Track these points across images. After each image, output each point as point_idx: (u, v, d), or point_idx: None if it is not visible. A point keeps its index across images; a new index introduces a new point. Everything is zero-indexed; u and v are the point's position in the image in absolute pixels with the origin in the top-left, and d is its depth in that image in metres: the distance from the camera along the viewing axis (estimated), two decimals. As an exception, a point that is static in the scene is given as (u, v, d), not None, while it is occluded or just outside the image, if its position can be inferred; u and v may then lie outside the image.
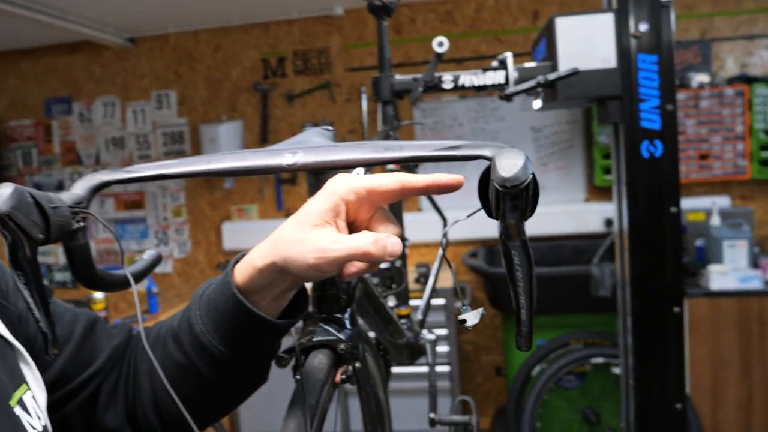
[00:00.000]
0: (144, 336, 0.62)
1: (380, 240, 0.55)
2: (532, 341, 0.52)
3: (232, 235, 3.72)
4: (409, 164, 1.58)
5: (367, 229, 0.59)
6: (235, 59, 3.67)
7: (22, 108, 3.96)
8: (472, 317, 0.53)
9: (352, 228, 0.60)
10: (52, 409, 0.70)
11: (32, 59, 3.89)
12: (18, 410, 0.57)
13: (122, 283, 0.66)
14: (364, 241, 0.54)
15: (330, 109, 3.59)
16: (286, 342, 0.67)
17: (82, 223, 0.60)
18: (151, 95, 3.78)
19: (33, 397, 0.59)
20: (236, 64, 3.68)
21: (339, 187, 0.57)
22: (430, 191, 0.56)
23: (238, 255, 0.65)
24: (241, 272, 0.62)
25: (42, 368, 0.67)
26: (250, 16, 3.54)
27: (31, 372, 0.61)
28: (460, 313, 0.54)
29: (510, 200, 0.46)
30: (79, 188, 0.62)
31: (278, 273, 0.59)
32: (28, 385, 0.59)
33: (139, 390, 0.72)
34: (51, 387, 0.68)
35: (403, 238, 1.47)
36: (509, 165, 0.46)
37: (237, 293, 0.61)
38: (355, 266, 0.57)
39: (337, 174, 0.60)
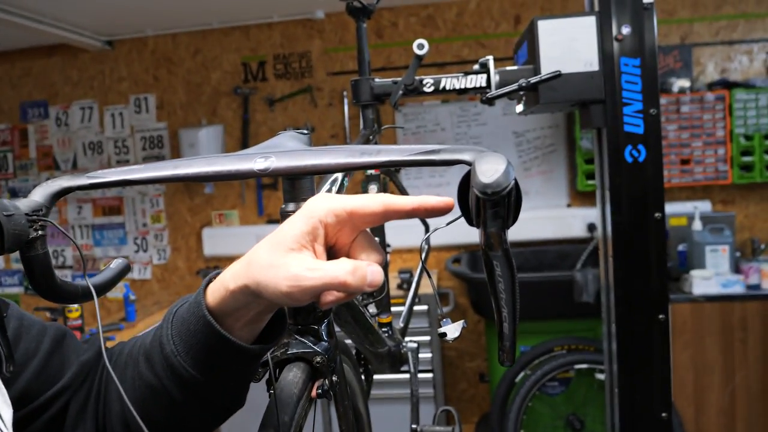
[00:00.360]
0: (106, 356, 0.58)
1: (359, 269, 0.51)
2: (515, 355, 0.49)
3: (212, 241, 3.67)
4: (389, 169, 1.56)
5: (348, 254, 0.55)
6: (215, 63, 3.63)
7: (-3, 112, 3.89)
8: (452, 330, 0.51)
9: (332, 252, 0.56)
10: (19, 427, 0.66)
11: (7, 62, 3.82)
12: None
13: (85, 295, 0.63)
14: (342, 270, 0.50)
15: (311, 114, 3.56)
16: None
17: (40, 232, 0.57)
18: (130, 99, 3.72)
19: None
20: (216, 68, 3.63)
21: (318, 209, 0.53)
22: (417, 214, 0.52)
23: (211, 274, 0.62)
24: (214, 293, 0.58)
25: (6, 383, 0.63)
26: (230, 20, 3.50)
27: None
28: (440, 326, 0.51)
29: (491, 207, 0.43)
30: (38, 195, 0.59)
31: (251, 296, 0.55)
32: None
33: (109, 409, 0.68)
34: (16, 403, 0.64)
35: (385, 245, 1.44)
36: (490, 170, 0.43)
37: (207, 315, 0.57)
38: (332, 295, 0.53)
39: (317, 195, 0.56)
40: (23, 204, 0.56)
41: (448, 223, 0.50)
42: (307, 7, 3.33)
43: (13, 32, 3.22)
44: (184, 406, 0.62)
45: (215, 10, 3.33)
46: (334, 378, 0.70)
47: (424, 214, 0.52)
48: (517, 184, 0.44)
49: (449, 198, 0.51)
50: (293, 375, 0.65)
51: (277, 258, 0.52)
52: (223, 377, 0.61)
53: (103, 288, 0.66)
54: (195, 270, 3.74)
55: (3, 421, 0.56)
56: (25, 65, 3.81)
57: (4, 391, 0.58)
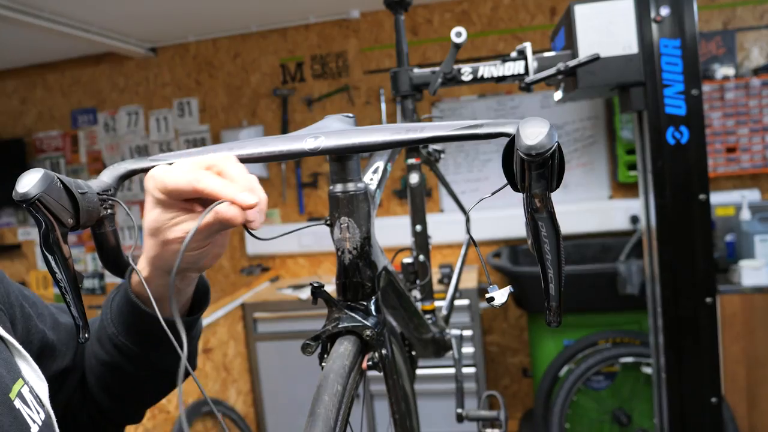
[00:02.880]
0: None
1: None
2: (561, 315, 0.51)
3: (255, 240, 3.73)
4: (429, 159, 1.58)
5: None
6: (254, 65, 3.71)
7: (50, 119, 4.05)
8: (499, 295, 0.52)
9: None
10: (69, 393, 0.73)
11: (58, 72, 3.98)
12: (18, 403, 0.57)
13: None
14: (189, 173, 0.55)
15: (349, 112, 3.59)
16: (306, 333, 0.68)
17: (110, 210, 0.61)
18: (173, 103, 3.83)
19: (30, 391, 0.60)
20: (255, 70, 3.71)
21: (149, 186, 0.59)
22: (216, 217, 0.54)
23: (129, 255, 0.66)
24: (135, 281, 0.66)
25: (50, 363, 0.70)
26: (267, 23, 3.57)
27: (28, 366, 0.62)
28: (488, 292, 0.53)
29: (536, 169, 0.45)
30: (107, 176, 0.63)
31: (159, 270, 0.63)
32: (24, 380, 0.60)
33: (84, 384, 0.76)
34: (54, 382, 0.70)
35: (426, 235, 1.46)
36: (534, 133, 0.45)
37: (133, 297, 0.65)
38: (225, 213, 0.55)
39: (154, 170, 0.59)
40: (94, 184, 0.60)
41: (493, 192, 0.52)
42: (343, 7, 3.38)
43: (63, 42, 3.37)
44: (137, 377, 0.70)
45: (253, 14, 3.40)
46: (383, 351, 0.72)
47: (218, 221, 0.55)
48: (560, 146, 0.45)
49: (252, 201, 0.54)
50: (344, 348, 0.66)
51: (156, 241, 0.61)
52: (162, 348, 0.68)
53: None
54: (239, 268, 3.82)
55: (37, 397, 0.61)
56: (74, 74, 3.96)
57: (37, 368, 0.63)
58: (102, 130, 3.96)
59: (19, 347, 0.62)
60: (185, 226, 0.58)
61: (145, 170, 0.65)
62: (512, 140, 0.49)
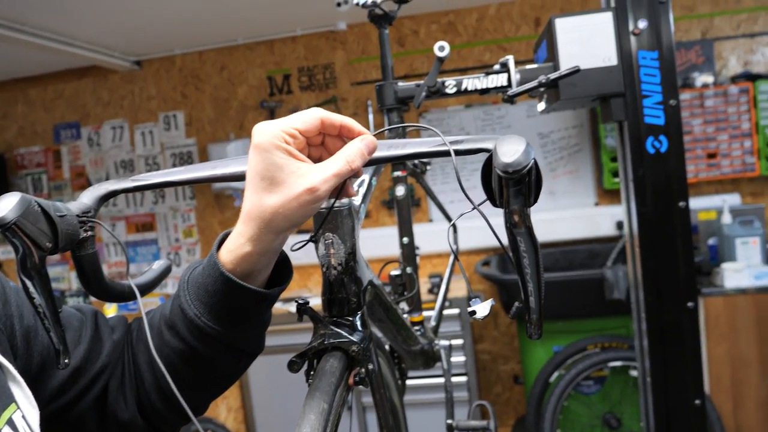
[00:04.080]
0: (147, 327, 0.64)
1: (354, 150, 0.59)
2: (542, 327, 0.52)
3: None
4: (416, 171, 1.59)
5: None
6: (241, 78, 3.71)
7: (32, 134, 4.01)
8: (482, 309, 0.53)
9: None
10: (68, 407, 0.71)
11: (40, 86, 3.95)
12: (6, 430, 0.56)
13: (131, 294, 0.67)
14: (343, 159, 0.58)
15: (336, 124, 3.61)
16: (298, 347, 0.68)
17: (90, 233, 0.61)
18: (159, 117, 3.82)
19: (23, 417, 0.59)
20: (242, 83, 3.71)
21: (266, 141, 0.57)
22: (344, 132, 0.62)
23: (221, 235, 0.67)
24: (230, 256, 0.63)
25: (55, 370, 0.68)
26: (254, 35, 3.58)
27: (21, 392, 0.60)
28: (470, 305, 0.54)
29: (513, 186, 0.46)
30: (87, 198, 0.63)
31: (272, 244, 0.62)
32: (17, 405, 0.59)
33: (142, 381, 0.73)
34: (65, 385, 0.69)
35: (413, 248, 1.47)
36: (510, 151, 0.46)
37: (226, 272, 0.62)
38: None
39: (259, 126, 0.60)
40: (74, 206, 0.60)
41: (473, 207, 0.53)
42: (329, 19, 3.39)
43: (46, 56, 3.35)
44: (213, 360, 0.68)
45: (240, 27, 3.41)
46: (370, 366, 0.73)
47: (348, 134, 0.61)
48: (536, 163, 0.47)
49: (368, 134, 0.61)
50: (330, 365, 0.67)
51: (275, 187, 0.58)
52: (245, 326, 0.67)
53: (147, 288, 0.71)
54: (227, 281, 3.81)
55: (28, 423, 0.59)
56: (57, 88, 3.94)
57: (30, 394, 0.61)
58: (86, 145, 3.93)
59: (14, 372, 0.61)
60: (312, 176, 0.57)
61: (127, 190, 0.66)
62: (490, 157, 0.50)
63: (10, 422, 0.57)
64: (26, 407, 0.61)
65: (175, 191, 3.83)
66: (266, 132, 0.57)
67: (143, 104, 3.84)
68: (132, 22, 3.01)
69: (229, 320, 0.65)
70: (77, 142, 3.95)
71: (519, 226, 0.48)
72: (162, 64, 3.79)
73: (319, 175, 0.57)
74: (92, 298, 4.00)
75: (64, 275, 4.05)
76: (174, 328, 0.67)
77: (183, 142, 3.80)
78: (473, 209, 0.53)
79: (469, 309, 0.54)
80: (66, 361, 0.58)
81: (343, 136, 0.62)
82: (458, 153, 0.56)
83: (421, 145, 0.60)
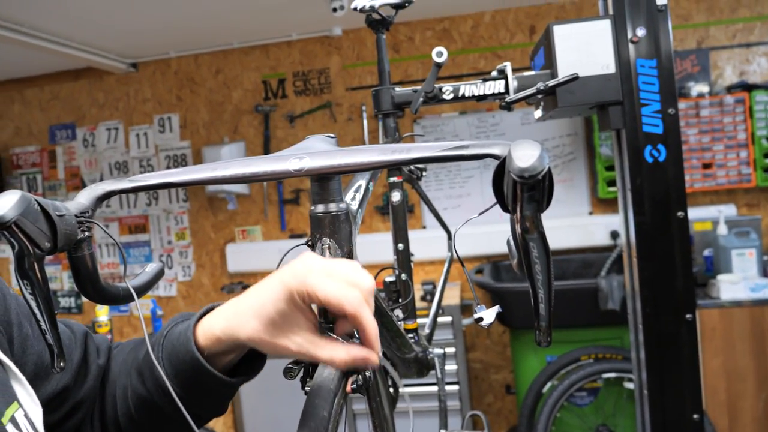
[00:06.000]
0: (151, 350, 0.63)
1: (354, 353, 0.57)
2: (551, 335, 0.51)
3: (236, 257, 3.71)
4: (411, 177, 1.58)
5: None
6: (236, 82, 3.70)
7: (27, 134, 4.00)
8: (488, 315, 0.52)
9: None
10: (57, 425, 0.70)
11: (36, 86, 3.93)
12: (10, 428, 0.56)
13: (126, 296, 0.66)
14: (340, 354, 0.57)
15: (331, 129, 3.60)
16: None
17: (88, 233, 0.59)
18: (154, 119, 3.81)
19: (25, 415, 0.58)
20: (237, 87, 3.70)
21: (293, 281, 0.56)
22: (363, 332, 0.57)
23: (205, 308, 0.67)
24: (204, 334, 0.64)
25: (41, 384, 0.68)
26: (250, 39, 3.57)
27: (23, 389, 0.60)
28: (476, 312, 0.53)
29: (527, 191, 0.45)
30: (84, 198, 0.61)
31: (240, 345, 0.63)
32: (19, 403, 0.58)
33: (104, 412, 0.74)
34: (50, 405, 0.69)
35: (408, 254, 1.46)
36: (526, 156, 0.45)
37: (196, 352, 0.63)
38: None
39: (306, 258, 0.58)
40: (72, 206, 0.59)
41: (481, 213, 0.52)
42: (325, 24, 3.39)
43: (43, 57, 3.33)
44: (172, 416, 0.68)
45: (236, 31, 3.40)
46: (367, 373, 0.72)
47: (359, 329, 0.57)
48: (550, 169, 0.46)
49: (376, 354, 0.57)
50: (328, 372, 0.66)
51: (267, 331, 0.58)
52: (209, 398, 0.68)
53: (142, 290, 0.70)
54: (219, 286, 3.78)
55: (31, 422, 0.58)
56: (53, 89, 3.92)
57: (32, 392, 0.61)
58: (81, 146, 3.91)
59: (16, 370, 0.60)
60: (300, 338, 0.58)
61: (124, 191, 0.65)
62: (503, 162, 0.49)
63: (13, 420, 0.56)
64: (29, 405, 0.60)
65: (168, 193, 3.81)
66: (289, 278, 0.57)
67: (138, 106, 3.83)
68: (128, 24, 3.00)
69: (194, 390, 0.66)
70: (72, 143, 3.93)
71: (532, 231, 0.47)
72: (158, 66, 3.77)
73: (309, 348, 0.58)
74: (84, 299, 3.96)
75: (56, 275, 4.02)
76: (142, 376, 0.69)
77: (177, 144, 3.78)
78: (480, 215, 0.52)
79: (476, 315, 0.53)
80: (62, 364, 0.57)
81: (354, 326, 0.59)
82: (464, 158, 0.55)
83: (426, 150, 0.59)
